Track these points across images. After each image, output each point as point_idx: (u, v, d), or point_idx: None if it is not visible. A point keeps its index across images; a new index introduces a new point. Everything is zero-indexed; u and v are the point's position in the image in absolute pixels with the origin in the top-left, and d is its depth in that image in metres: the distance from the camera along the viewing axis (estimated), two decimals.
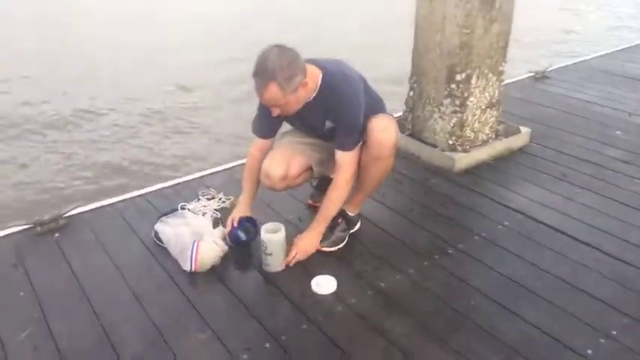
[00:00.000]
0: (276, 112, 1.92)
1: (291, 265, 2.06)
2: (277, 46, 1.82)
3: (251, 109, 2.19)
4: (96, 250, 2.22)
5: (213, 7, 10.41)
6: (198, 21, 9.42)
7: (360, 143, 2.03)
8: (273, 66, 1.77)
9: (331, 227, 2.17)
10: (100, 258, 2.16)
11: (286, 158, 2.15)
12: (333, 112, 1.99)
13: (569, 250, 2.16)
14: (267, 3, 10.79)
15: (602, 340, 1.71)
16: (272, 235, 2.02)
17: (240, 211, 2.20)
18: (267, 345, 1.71)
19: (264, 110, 2.05)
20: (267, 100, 1.86)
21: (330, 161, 2.16)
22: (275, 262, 2.05)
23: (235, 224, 2.16)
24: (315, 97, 1.96)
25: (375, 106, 2.12)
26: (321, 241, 2.16)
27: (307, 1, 10.79)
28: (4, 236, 2.32)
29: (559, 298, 1.89)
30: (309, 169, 2.26)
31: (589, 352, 1.66)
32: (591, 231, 2.29)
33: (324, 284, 1.96)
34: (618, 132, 3.30)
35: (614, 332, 1.74)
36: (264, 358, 1.66)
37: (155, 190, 2.70)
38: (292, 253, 2.06)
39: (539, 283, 1.97)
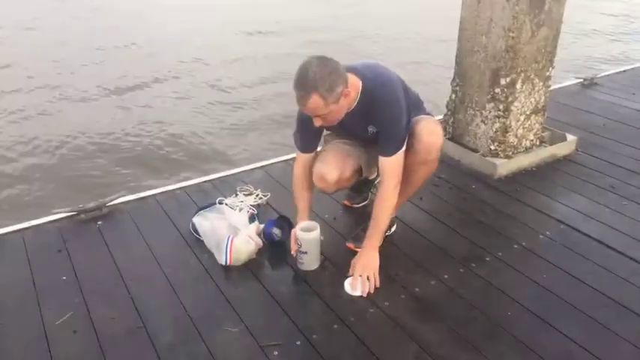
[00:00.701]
0: (318, 122, 1.89)
1: (370, 292, 1.94)
2: (317, 57, 1.80)
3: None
4: (136, 239, 2.28)
5: None
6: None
7: (404, 148, 2.00)
8: (314, 77, 1.75)
9: (367, 229, 2.15)
10: (140, 247, 2.22)
11: (339, 161, 2.15)
12: (375, 119, 1.96)
13: (613, 265, 2.08)
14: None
15: None
16: (307, 233, 2.02)
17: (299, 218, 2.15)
18: (298, 342, 1.71)
19: (303, 125, 2.04)
20: (309, 111, 1.84)
21: (376, 162, 2.13)
22: (310, 261, 2.05)
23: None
24: (356, 106, 1.94)
25: (416, 107, 2.09)
26: (356, 243, 2.15)
27: None
28: (49, 222, 2.41)
29: (601, 314, 1.83)
30: (359, 170, 2.26)
31: None
32: (623, 238, 2.20)
33: (356, 286, 1.95)
34: None
35: None
36: (295, 356, 1.67)
37: (195, 184, 2.75)
38: (356, 275, 1.96)
39: (580, 297, 1.91)
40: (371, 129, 2.00)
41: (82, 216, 2.42)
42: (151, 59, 7.18)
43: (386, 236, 2.22)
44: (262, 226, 2.24)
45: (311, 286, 1.98)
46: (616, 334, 1.74)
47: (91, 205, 2.45)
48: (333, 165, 2.13)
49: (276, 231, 2.20)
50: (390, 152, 1.97)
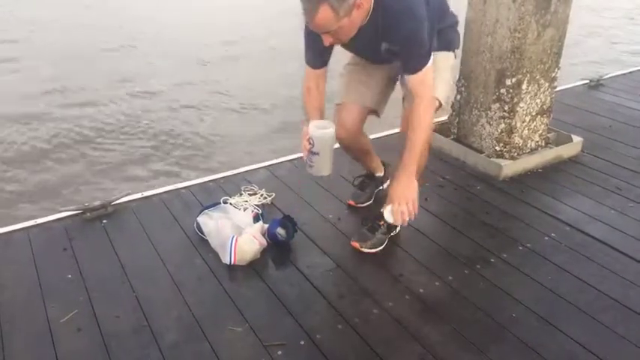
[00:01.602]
0: (327, 40, 1.71)
1: (408, 220, 1.87)
2: None
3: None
4: (141, 238, 2.28)
5: None
6: None
7: (430, 63, 1.82)
8: None
9: (372, 228, 2.16)
10: (144, 246, 2.22)
11: (359, 107, 2.14)
12: (390, 34, 1.77)
13: (619, 267, 2.07)
14: None
15: None
16: (320, 130, 1.84)
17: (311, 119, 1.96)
18: (302, 342, 1.71)
19: (311, 39, 1.86)
20: (318, 27, 1.65)
21: (386, 96, 2.19)
22: (321, 164, 1.90)
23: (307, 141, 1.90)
24: (369, 19, 1.74)
25: (441, 16, 1.97)
26: (361, 242, 2.15)
27: None
28: (55, 220, 2.41)
29: (606, 316, 1.82)
30: (375, 112, 2.21)
31: None
32: (630, 241, 2.19)
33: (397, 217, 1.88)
34: None
35: None
36: (299, 356, 1.67)
37: (199, 184, 2.75)
38: (395, 207, 1.85)
39: (585, 299, 1.90)
40: (385, 46, 1.82)
41: (88, 214, 2.43)
42: (158, 60, 7.20)
43: (390, 236, 2.22)
44: (267, 225, 2.24)
45: (315, 285, 1.98)
46: (621, 337, 1.73)
47: (97, 203, 2.46)
48: (355, 112, 2.14)
49: (280, 231, 2.20)
50: (413, 69, 1.82)
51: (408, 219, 1.87)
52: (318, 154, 1.85)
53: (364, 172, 2.57)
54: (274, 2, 9.05)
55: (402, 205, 1.85)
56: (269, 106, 5.64)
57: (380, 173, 2.50)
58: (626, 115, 3.62)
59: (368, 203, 2.51)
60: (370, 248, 2.15)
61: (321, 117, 1.96)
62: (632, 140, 3.22)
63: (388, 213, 1.90)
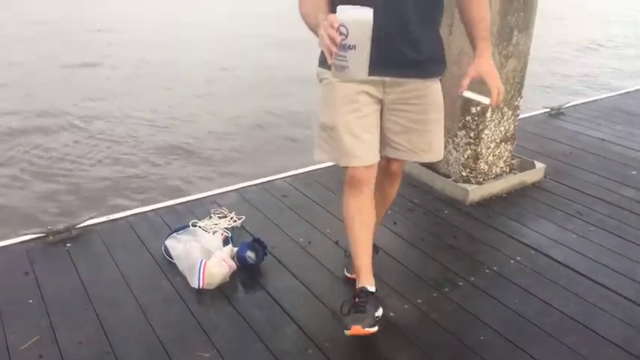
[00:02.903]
0: None
1: (498, 103, 1.63)
2: None
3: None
4: (106, 262, 2.23)
5: None
6: None
7: None
8: None
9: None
10: (110, 270, 2.17)
11: (373, 166, 1.76)
12: None
13: (581, 290, 2.13)
14: None
15: None
16: (358, 12, 1.32)
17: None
18: None
19: None
20: None
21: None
22: (359, 62, 1.35)
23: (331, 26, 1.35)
24: None
25: None
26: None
27: None
28: (17, 243, 2.34)
29: (570, 338, 1.86)
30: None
31: None
32: (605, 271, 2.25)
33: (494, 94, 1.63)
34: (634, 172, 3.28)
35: None
36: None
37: (167, 206, 2.72)
38: (495, 82, 1.61)
39: (550, 321, 1.94)
40: None
41: (51, 238, 2.36)
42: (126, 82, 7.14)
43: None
44: (236, 249, 2.22)
45: (285, 309, 1.96)
46: (584, 357, 1.77)
47: (61, 226, 2.39)
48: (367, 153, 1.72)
49: (250, 254, 2.19)
50: None
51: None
52: (354, 47, 1.31)
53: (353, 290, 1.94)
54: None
55: (498, 81, 1.61)
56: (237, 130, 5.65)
57: (372, 288, 1.87)
58: (585, 143, 3.77)
59: (375, 328, 1.78)
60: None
61: None
62: (590, 167, 3.35)
63: (474, 94, 1.60)
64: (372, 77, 1.49)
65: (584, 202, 2.88)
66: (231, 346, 1.78)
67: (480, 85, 1.64)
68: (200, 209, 2.66)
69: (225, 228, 2.46)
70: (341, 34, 1.30)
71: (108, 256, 2.26)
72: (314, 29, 1.45)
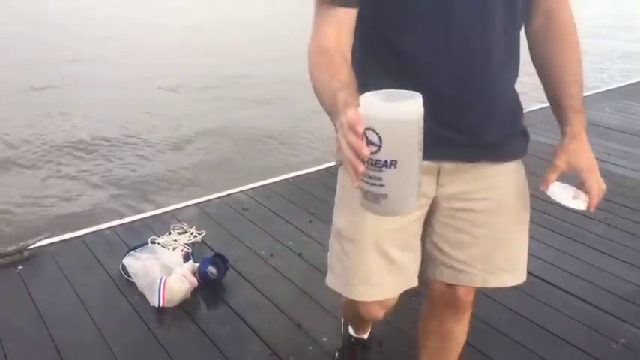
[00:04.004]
0: None
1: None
2: None
3: None
4: (61, 284, 2.15)
5: None
6: None
7: None
8: None
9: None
10: (65, 292, 2.09)
11: (391, 300, 1.25)
12: None
13: (536, 291, 2.19)
14: None
15: None
16: (395, 106, 0.75)
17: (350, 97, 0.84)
18: None
19: None
20: None
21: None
22: (401, 188, 0.79)
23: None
24: None
25: None
26: None
27: None
28: None
29: (528, 339, 1.91)
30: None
31: None
32: (558, 272, 2.33)
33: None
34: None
35: None
36: None
37: (125, 224, 2.65)
38: (594, 180, 1.11)
39: (508, 324, 1.99)
40: None
41: (1, 260, 2.26)
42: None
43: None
44: (197, 264, 2.19)
45: (248, 324, 1.94)
46: (542, 358, 1.82)
47: (11, 248, 2.30)
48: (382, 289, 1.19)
49: (211, 269, 2.16)
50: None
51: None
52: (394, 164, 0.76)
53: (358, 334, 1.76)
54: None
55: (598, 177, 1.12)
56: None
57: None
58: (536, 149, 3.88)
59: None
60: None
61: (349, 78, 0.91)
62: (540, 171, 3.44)
63: (563, 192, 1.14)
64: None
65: (536, 206, 2.95)
66: None
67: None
68: (159, 225, 2.61)
69: (186, 243, 2.42)
70: (370, 143, 0.74)
71: (63, 278, 2.18)
72: (331, 111, 0.85)
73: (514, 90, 1.12)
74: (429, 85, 0.87)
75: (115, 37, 9.97)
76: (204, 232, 2.53)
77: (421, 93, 0.76)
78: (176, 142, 5.34)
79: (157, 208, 2.90)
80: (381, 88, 0.78)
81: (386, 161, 0.75)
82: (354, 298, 1.19)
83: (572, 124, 1.12)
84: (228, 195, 2.94)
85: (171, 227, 2.55)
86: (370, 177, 0.77)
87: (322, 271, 2.19)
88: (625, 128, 4.25)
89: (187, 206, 2.84)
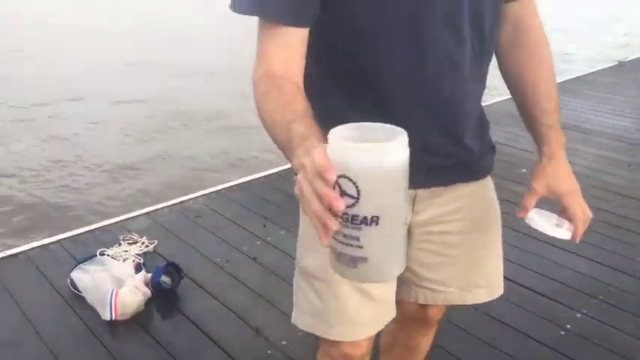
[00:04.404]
0: None
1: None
2: None
3: None
4: (5, 303, 2.05)
5: None
6: None
7: None
8: None
9: None
10: (10, 311, 2.00)
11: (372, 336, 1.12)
12: None
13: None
14: None
15: None
16: (374, 150, 0.57)
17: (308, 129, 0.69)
18: None
19: None
20: None
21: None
22: (385, 250, 0.62)
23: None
24: None
25: None
26: None
27: None
28: None
29: (476, 326, 1.97)
30: None
31: None
32: (512, 265, 2.42)
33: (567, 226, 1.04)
34: (524, 170, 3.56)
35: None
36: None
37: (71, 236, 2.56)
38: (578, 209, 1.02)
39: (458, 313, 2.03)
40: None
41: None
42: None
43: None
44: (150, 275, 2.14)
45: (206, 332, 1.92)
46: (489, 345, 1.89)
47: None
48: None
49: (165, 279, 2.11)
50: None
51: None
52: (375, 220, 0.58)
53: None
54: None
55: (582, 202, 1.04)
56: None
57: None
58: None
59: None
60: None
61: (306, 110, 0.77)
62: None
63: (544, 220, 1.04)
64: None
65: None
66: None
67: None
68: (108, 237, 2.53)
69: (137, 254, 2.36)
70: (345, 194, 0.57)
71: (7, 296, 2.08)
72: (285, 148, 0.72)
73: (480, 104, 1.07)
74: (399, 107, 0.84)
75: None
76: (156, 241, 2.47)
77: (391, 116, 0.64)
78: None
79: (105, 219, 2.81)
80: (342, 114, 0.68)
81: (365, 217, 0.58)
82: (337, 339, 1.08)
83: (549, 143, 1.05)
84: (180, 202, 2.89)
85: (121, 238, 2.48)
86: (345, 235, 0.60)
87: (279, 275, 2.21)
88: (562, 123, 4.46)
89: (137, 216, 2.77)
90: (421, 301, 1.16)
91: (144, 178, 4.39)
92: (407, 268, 0.92)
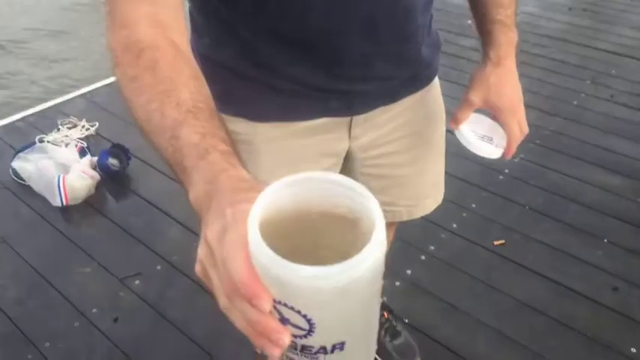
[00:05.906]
0: None
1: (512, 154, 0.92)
2: None
3: None
4: None
5: None
6: None
7: None
8: None
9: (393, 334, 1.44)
10: None
11: None
12: None
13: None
14: None
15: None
16: (345, 271, 0.33)
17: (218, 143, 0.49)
18: (159, 267, 1.70)
19: None
20: None
21: None
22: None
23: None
24: None
25: None
26: None
27: None
28: None
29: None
30: None
31: None
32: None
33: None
34: (469, 21, 3.50)
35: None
36: (157, 281, 1.66)
37: (5, 125, 2.42)
38: (514, 120, 0.90)
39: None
40: None
41: None
42: None
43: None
44: (95, 158, 2.09)
45: (163, 210, 1.93)
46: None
47: None
48: None
49: (112, 161, 2.07)
50: None
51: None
52: (341, 346, 0.39)
53: None
54: None
55: (522, 117, 0.92)
56: None
57: None
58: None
59: None
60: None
61: (207, 104, 0.52)
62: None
63: (475, 134, 0.92)
64: (328, 133, 0.86)
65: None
66: (113, 256, 1.74)
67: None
68: (45, 122, 2.41)
69: (79, 138, 2.27)
70: (287, 321, 0.37)
71: None
72: (174, 168, 0.53)
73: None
74: (320, 28, 0.68)
75: None
76: (97, 123, 2.37)
77: (311, 41, 0.49)
78: None
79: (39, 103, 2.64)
80: (255, 52, 0.49)
81: (324, 347, 0.39)
82: None
83: (498, 46, 0.87)
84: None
85: (59, 123, 2.36)
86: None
87: None
88: None
89: (73, 98, 2.62)
90: None
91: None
92: None
